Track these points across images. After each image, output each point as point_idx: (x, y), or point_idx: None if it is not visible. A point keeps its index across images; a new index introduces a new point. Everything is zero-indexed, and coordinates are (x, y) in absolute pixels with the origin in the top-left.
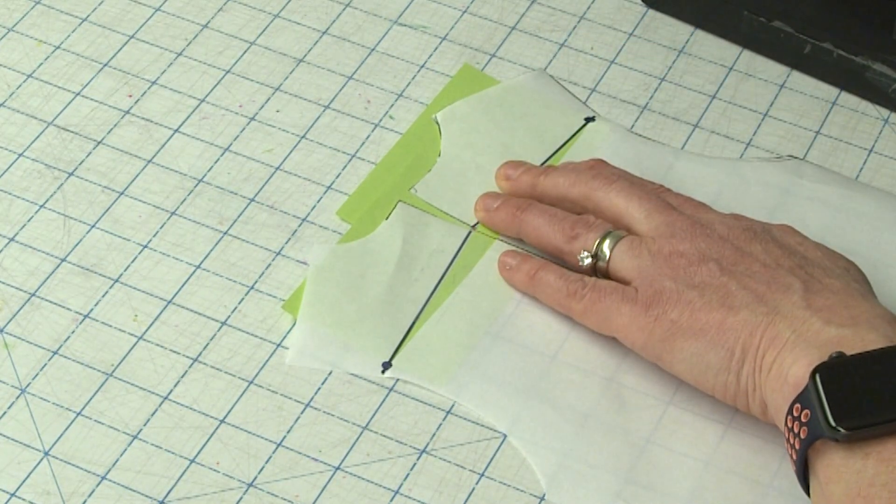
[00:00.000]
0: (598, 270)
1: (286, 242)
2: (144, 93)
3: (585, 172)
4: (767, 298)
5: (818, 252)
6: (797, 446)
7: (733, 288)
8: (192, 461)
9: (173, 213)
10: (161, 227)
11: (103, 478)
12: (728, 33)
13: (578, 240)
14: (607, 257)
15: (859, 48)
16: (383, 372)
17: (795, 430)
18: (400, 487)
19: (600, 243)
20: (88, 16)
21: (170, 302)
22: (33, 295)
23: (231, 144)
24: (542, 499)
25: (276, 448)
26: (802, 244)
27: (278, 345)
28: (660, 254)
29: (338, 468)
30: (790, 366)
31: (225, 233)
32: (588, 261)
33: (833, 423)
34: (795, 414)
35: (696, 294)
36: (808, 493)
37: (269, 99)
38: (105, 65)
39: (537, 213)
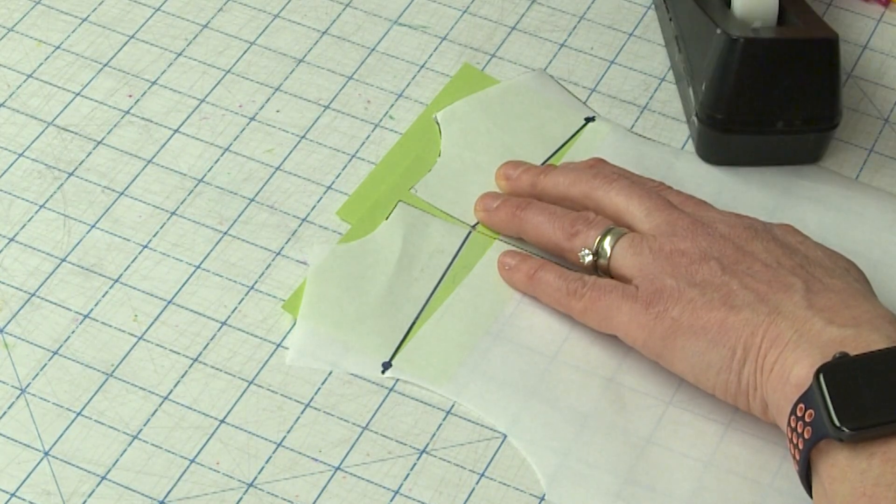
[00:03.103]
0: (599, 268)
1: (286, 242)
2: (144, 93)
3: (586, 171)
4: (769, 298)
5: (819, 252)
6: (801, 446)
7: (734, 287)
8: (192, 461)
9: (173, 213)
10: (161, 227)
11: (103, 478)
12: None
13: (579, 237)
14: (608, 254)
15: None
16: (383, 372)
17: (799, 430)
18: (400, 487)
19: (601, 240)
20: (88, 16)
21: (170, 302)
22: (33, 295)
23: (231, 144)
24: (542, 499)
25: (276, 448)
26: (803, 243)
27: (278, 345)
28: (661, 252)
29: (338, 468)
30: (792, 366)
31: (225, 233)
32: (589, 258)
33: (838, 424)
34: (799, 414)
35: (698, 292)
36: (810, 493)
37: (269, 99)
38: (105, 65)
39: (537, 211)
